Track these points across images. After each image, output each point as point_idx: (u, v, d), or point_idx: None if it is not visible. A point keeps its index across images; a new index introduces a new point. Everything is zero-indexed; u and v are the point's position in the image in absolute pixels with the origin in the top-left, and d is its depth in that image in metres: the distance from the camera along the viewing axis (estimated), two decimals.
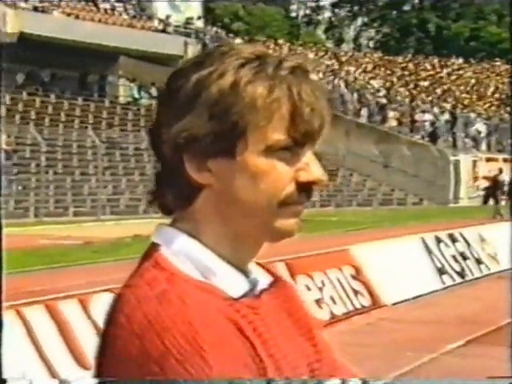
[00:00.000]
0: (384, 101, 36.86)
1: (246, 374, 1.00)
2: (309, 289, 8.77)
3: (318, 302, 8.76)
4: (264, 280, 1.16)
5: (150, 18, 35.46)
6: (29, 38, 27.79)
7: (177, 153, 1.07)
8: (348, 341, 8.12)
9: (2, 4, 28.35)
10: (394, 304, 9.96)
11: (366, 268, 9.96)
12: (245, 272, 1.10)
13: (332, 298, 9.03)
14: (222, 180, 1.07)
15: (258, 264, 1.19)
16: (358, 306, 9.43)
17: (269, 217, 1.08)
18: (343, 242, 11.69)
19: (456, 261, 12.20)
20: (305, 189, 1.08)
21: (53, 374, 5.94)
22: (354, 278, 9.61)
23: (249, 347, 1.03)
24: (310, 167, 1.08)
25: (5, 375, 4.65)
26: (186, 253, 1.07)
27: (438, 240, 12.18)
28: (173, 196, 1.09)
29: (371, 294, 9.75)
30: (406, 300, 10.15)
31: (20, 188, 24.10)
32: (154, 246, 1.09)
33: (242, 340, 1.02)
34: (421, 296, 10.48)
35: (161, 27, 34.55)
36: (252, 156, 1.06)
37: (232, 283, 1.07)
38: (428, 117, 36.29)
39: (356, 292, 9.54)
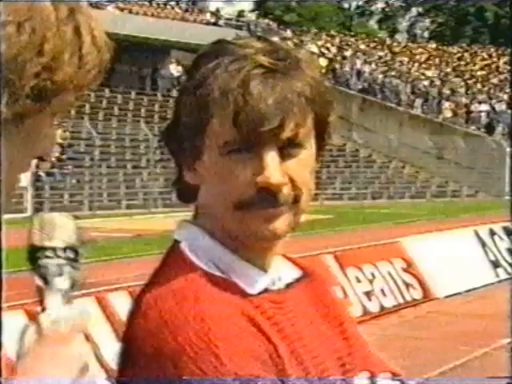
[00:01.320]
0: (438, 91, 36.34)
1: (262, 371, 0.98)
2: (359, 281, 8.72)
3: (368, 294, 8.71)
4: (291, 274, 1.16)
5: (202, 11, 35.65)
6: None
7: (174, 151, 1.10)
8: (398, 333, 8.07)
9: None
10: (446, 297, 9.83)
11: (417, 261, 9.85)
12: (264, 267, 1.09)
13: (382, 291, 8.96)
14: (203, 181, 1.07)
15: (288, 258, 1.19)
16: (409, 299, 9.34)
17: (230, 220, 1.05)
18: (394, 234, 11.59)
19: (511, 254, 11.96)
20: (266, 194, 1.02)
21: (102, 364, 6.01)
22: (404, 270, 9.52)
23: (266, 343, 1.01)
24: (266, 170, 1.02)
25: None
26: (206, 250, 1.07)
27: (492, 233, 11.96)
28: (185, 190, 1.11)
29: (423, 286, 9.64)
30: (458, 293, 10.01)
31: (74, 181, 24.50)
32: (175, 244, 1.09)
33: (258, 336, 1.00)
34: (474, 289, 10.31)
35: (213, 20, 34.69)
36: (211, 157, 1.04)
37: (251, 279, 1.07)
38: (484, 107, 35.63)
39: (407, 285, 9.44)
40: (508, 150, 32.02)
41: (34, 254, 0.87)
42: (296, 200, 1.05)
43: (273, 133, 1.00)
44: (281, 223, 1.05)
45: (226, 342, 0.96)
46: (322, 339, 1.12)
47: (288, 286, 1.12)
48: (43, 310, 0.86)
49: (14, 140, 0.79)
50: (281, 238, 1.08)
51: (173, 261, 1.07)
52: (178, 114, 1.07)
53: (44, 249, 0.87)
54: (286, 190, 1.03)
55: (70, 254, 0.87)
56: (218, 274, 1.05)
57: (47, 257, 0.86)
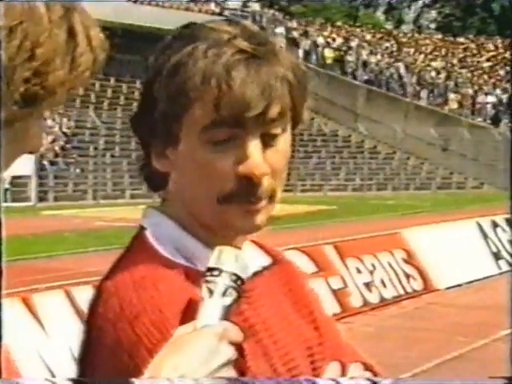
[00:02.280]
0: (444, 83, 36.21)
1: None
2: (359, 271, 8.71)
3: (368, 285, 8.69)
4: (260, 262, 1.13)
5: (207, 0, 35.55)
6: None
7: (143, 138, 1.06)
8: (398, 325, 8.06)
9: None
10: (447, 289, 9.80)
11: (418, 252, 9.83)
12: None
13: (382, 282, 8.94)
14: (176, 168, 1.04)
15: (258, 244, 1.17)
16: (410, 290, 9.32)
17: (212, 212, 1.02)
18: (398, 225, 11.56)
19: None
20: (248, 184, 1.00)
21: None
22: (405, 261, 9.50)
23: None
24: (249, 159, 0.99)
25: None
26: (170, 237, 1.05)
27: (495, 224, 11.92)
28: (150, 179, 1.09)
29: (423, 278, 9.62)
30: (459, 285, 9.98)
31: (78, 171, 24.53)
32: (141, 230, 1.07)
33: None
34: (475, 281, 10.29)
35: (217, 10, 34.61)
36: (189, 145, 1.01)
37: None
38: (490, 99, 35.50)
39: (408, 276, 9.42)
40: None
41: (208, 271, 0.96)
42: (273, 193, 1.02)
43: (256, 119, 0.98)
44: (261, 217, 1.03)
45: None
46: (290, 329, 1.10)
47: (256, 274, 1.09)
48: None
49: (1, 141, 0.78)
50: (257, 232, 1.06)
51: (136, 248, 1.04)
52: (149, 100, 1.02)
53: (218, 269, 0.95)
54: (267, 182, 1.01)
55: (237, 282, 0.95)
56: (181, 262, 1.03)
57: (218, 275, 0.95)
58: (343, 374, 1.12)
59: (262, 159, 0.99)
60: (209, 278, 0.94)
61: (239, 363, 0.98)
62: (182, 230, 1.05)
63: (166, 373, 0.86)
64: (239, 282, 0.95)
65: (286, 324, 1.10)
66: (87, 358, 1.01)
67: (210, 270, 0.95)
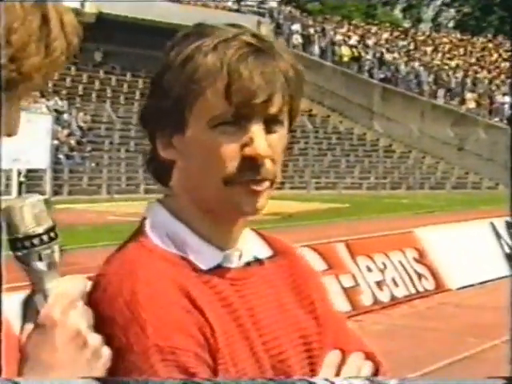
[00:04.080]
0: (461, 82, 36.03)
1: (186, 344, 1.00)
2: (370, 270, 8.69)
3: (379, 283, 8.67)
4: (259, 252, 1.16)
5: None
6: (107, 18, 28.27)
7: (150, 130, 1.12)
8: (409, 324, 8.05)
9: None
10: (459, 289, 9.76)
11: (430, 251, 9.79)
12: (223, 244, 1.11)
13: (394, 280, 8.92)
14: (183, 156, 1.10)
15: (261, 235, 1.20)
16: (421, 290, 9.29)
17: (218, 195, 1.08)
18: (411, 224, 11.51)
19: None
20: (252, 166, 1.06)
21: None
22: (417, 260, 9.47)
23: (198, 318, 1.03)
24: (253, 141, 1.06)
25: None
26: (164, 226, 1.11)
27: (509, 225, 11.84)
28: (156, 172, 1.15)
29: (435, 277, 9.59)
30: (471, 285, 9.94)
31: (93, 165, 24.62)
32: (142, 220, 1.13)
33: (190, 310, 1.03)
34: (487, 282, 10.24)
35: (235, 7, 34.59)
36: (197, 131, 1.07)
37: (204, 255, 1.09)
38: (508, 99, 35.27)
39: (419, 275, 9.39)
40: None
41: (16, 242, 0.92)
42: (273, 178, 1.08)
43: (262, 106, 1.05)
44: (262, 200, 1.08)
45: (153, 315, 0.99)
46: (284, 317, 1.13)
47: (250, 263, 1.13)
48: (33, 292, 0.94)
49: None
50: (258, 214, 1.10)
51: (134, 236, 1.11)
52: (158, 91, 1.09)
53: (28, 237, 0.91)
54: (269, 164, 1.07)
55: (49, 236, 0.93)
56: (170, 249, 1.08)
57: (33, 245, 0.91)
58: (342, 362, 1.15)
59: (266, 142, 1.06)
60: (19, 253, 0.92)
61: (212, 344, 1.01)
62: (173, 219, 1.11)
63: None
64: (47, 238, 0.92)
65: (279, 312, 1.13)
66: None
67: (18, 240, 0.92)
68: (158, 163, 1.12)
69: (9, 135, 0.87)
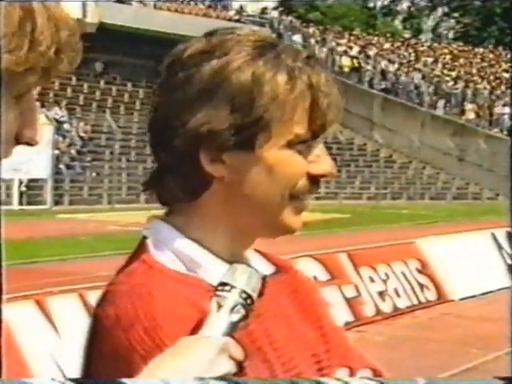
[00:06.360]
0: (462, 93, 36.08)
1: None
2: (372, 280, 8.68)
3: (382, 294, 8.66)
4: (264, 269, 1.14)
5: (226, 7, 35.65)
6: (108, 28, 28.33)
7: (192, 145, 1.04)
8: (411, 334, 8.03)
9: None
10: (461, 299, 9.75)
11: (432, 262, 9.78)
12: (233, 262, 1.07)
13: (396, 291, 8.91)
14: (236, 173, 1.05)
15: (261, 253, 1.18)
16: (423, 300, 9.28)
17: (278, 210, 1.06)
18: (412, 235, 11.50)
19: None
20: (314, 182, 1.08)
21: None
22: (419, 271, 9.46)
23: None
24: (321, 159, 1.07)
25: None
26: (171, 245, 1.06)
27: (510, 236, 11.83)
28: (179, 188, 1.06)
29: (437, 288, 9.57)
30: (473, 296, 9.92)
31: (94, 175, 24.62)
32: (142, 239, 1.08)
33: None
34: (489, 292, 10.22)
35: (236, 17, 34.69)
36: (273, 149, 1.04)
37: (216, 272, 1.04)
38: (508, 110, 35.30)
39: (421, 286, 9.38)
40: None
41: (220, 285, 0.98)
42: None
43: (331, 125, 1.08)
44: (301, 217, 1.09)
45: (176, 340, 0.95)
46: (294, 336, 1.11)
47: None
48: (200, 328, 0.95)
49: None
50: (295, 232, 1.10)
51: (136, 257, 1.06)
52: (213, 108, 1.02)
53: (230, 285, 0.97)
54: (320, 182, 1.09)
55: (247, 300, 0.97)
56: (179, 269, 1.04)
57: (229, 291, 0.96)
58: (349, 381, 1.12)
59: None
60: (220, 293, 0.96)
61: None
62: (181, 237, 1.06)
63: (162, 375, 0.87)
64: (249, 301, 0.96)
65: (290, 331, 1.11)
66: (89, 365, 1.03)
67: (222, 284, 0.96)
68: (181, 178, 1.06)
69: (19, 142, 0.84)
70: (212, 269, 1.05)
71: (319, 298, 1.21)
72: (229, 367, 0.91)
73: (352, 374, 1.13)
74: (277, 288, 1.13)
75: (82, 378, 1.03)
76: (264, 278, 1.10)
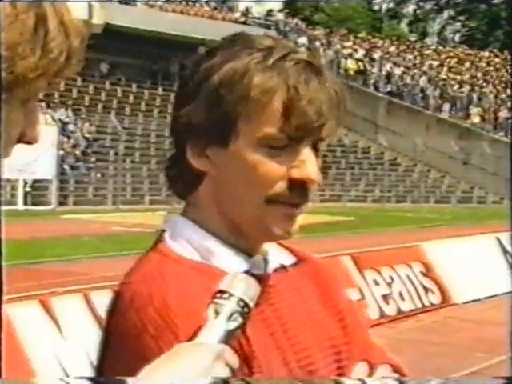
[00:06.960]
0: (467, 96, 36.04)
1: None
2: (377, 283, 8.67)
3: (386, 297, 8.65)
4: (284, 260, 1.16)
5: (231, 9, 35.68)
6: (114, 30, 28.37)
7: (180, 139, 1.09)
8: (415, 338, 8.01)
9: None
10: (465, 303, 9.73)
11: (436, 265, 9.77)
12: (250, 253, 1.10)
13: (400, 294, 8.89)
14: (217, 168, 1.07)
15: (284, 246, 1.19)
16: (427, 304, 9.27)
17: (257, 213, 1.06)
18: (416, 238, 11.50)
19: None
20: (298, 188, 1.05)
21: None
22: (423, 274, 9.44)
23: None
24: (305, 165, 1.04)
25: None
26: (186, 236, 1.09)
27: None
28: (181, 182, 1.12)
29: (442, 291, 9.56)
30: (477, 300, 9.90)
31: (99, 175, 24.65)
32: (161, 233, 1.12)
33: None
34: (493, 296, 10.20)
35: (242, 19, 34.71)
36: (243, 147, 1.05)
37: (231, 262, 1.07)
38: None
39: (426, 289, 9.37)
40: None
41: (219, 293, 0.97)
42: (307, 202, 1.07)
43: (316, 129, 1.04)
44: (296, 224, 1.07)
45: (186, 321, 0.98)
46: (312, 325, 1.12)
47: (277, 270, 1.12)
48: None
49: None
50: (289, 238, 1.09)
51: (153, 247, 1.10)
52: (196, 103, 1.06)
53: (228, 293, 0.97)
54: (312, 188, 1.06)
55: (244, 309, 0.96)
56: (195, 258, 1.07)
57: (227, 298, 0.96)
58: (371, 374, 1.13)
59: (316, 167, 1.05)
60: (217, 300, 0.96)
61: (247, 353, 1.00)
62: (200, 228, 1.09)
63: (158, 379, 0.88)
64: (246, 310, 0.96)
65: (309, 321, 1.12)
66: (106, 350, 1.05)
67: (221, 292, 0.97)
68: (181, 171, 1.10)
69: (28, 143, 0.84)
70: (227, 258, 1.08)
71: (343, 291, 1.22)
72: (224, 374, 0.91)
73: (371, 368, 1.14)
74: (298, 278, 1.14)
75: (100, 356, 1.06)
76: (284, 267, 1.13)
